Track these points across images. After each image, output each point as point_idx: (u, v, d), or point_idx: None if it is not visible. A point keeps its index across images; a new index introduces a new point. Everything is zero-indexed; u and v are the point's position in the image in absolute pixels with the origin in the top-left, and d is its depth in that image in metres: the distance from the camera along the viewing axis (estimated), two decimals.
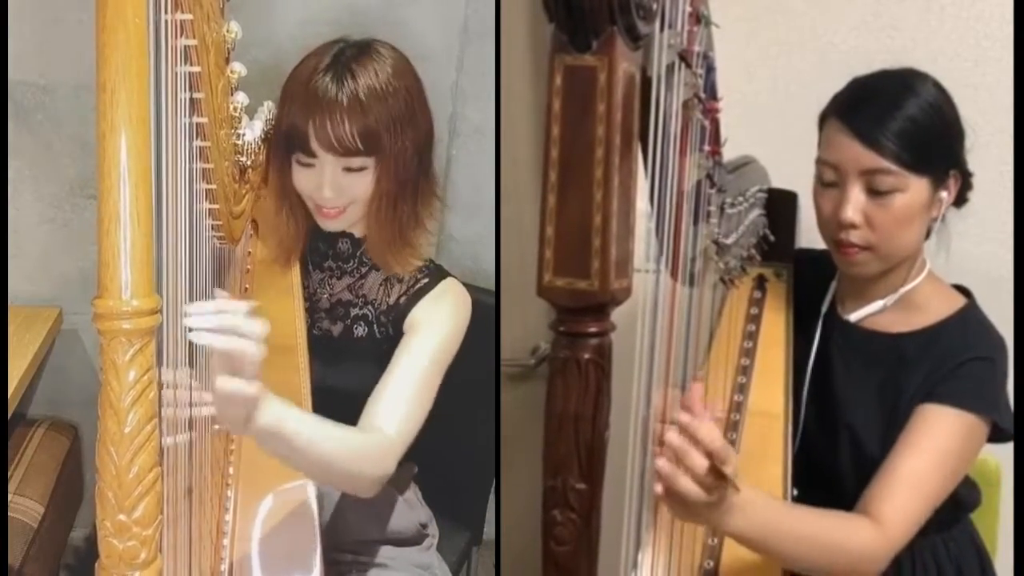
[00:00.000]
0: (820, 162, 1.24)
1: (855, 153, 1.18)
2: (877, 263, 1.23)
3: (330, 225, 1.33)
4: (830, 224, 1.24)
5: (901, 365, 1.26)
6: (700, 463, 0.90)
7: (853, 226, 1.19)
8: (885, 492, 1.14)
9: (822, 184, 1.24)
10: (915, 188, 1.18)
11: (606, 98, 0.70)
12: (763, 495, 1.05)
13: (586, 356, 0.75)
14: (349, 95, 1.22)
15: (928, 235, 1.26)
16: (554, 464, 0.78)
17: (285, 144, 1.28)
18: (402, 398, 1.24)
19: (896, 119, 1.16)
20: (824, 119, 1.25)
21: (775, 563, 1.14)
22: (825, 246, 1.29)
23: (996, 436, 1.22)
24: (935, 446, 1.17)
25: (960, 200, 1.28)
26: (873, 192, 1.18)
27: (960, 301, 1.29)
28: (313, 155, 1.25)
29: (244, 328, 0.96)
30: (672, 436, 0.91)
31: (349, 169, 1.26)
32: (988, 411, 1.19)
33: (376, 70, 1.25)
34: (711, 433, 0.91)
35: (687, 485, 0.91)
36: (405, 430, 1.23)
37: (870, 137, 1.17)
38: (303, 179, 1.29)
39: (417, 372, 1.27)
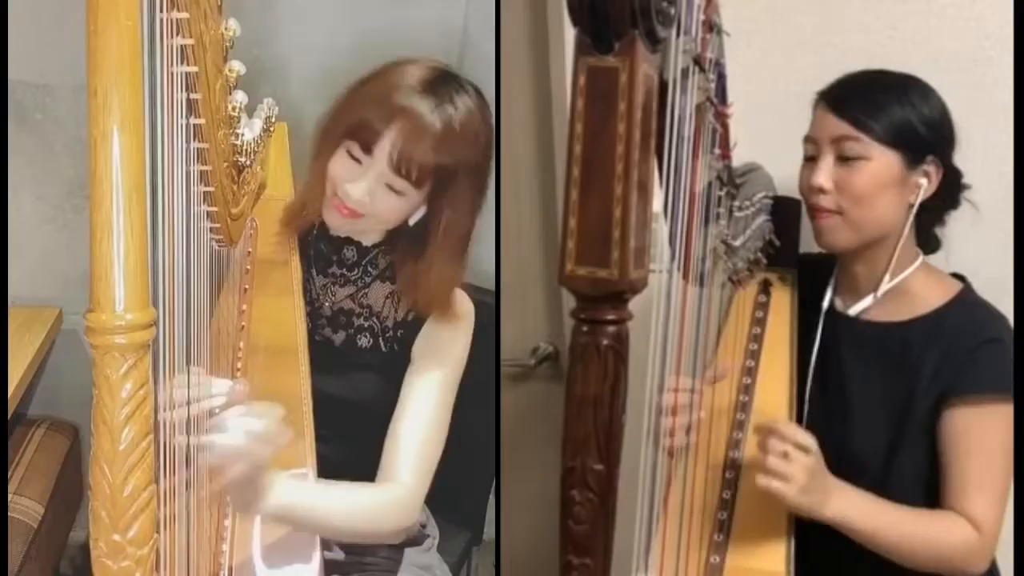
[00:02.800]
0: (804, 140, 1.32)
1: (828, 123, 1.27)
2: (847, 231, 1.28)
3: (336, 222, 1.31)
4: (806, 193, 1.31)
5: (906, 352, 1.28)
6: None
7: (822, 191, 1.27)
8: (964, 498, 1.20)
9: (805, 159, 1.32)
10: (882, 159, 1.24)
11: (627, 97, 0.73)
12: (854, 488, 1.16)
13: (605, 342, 0.77)
14: (444, 122, 1.21)
15: (937, 248, 1.33)
16: (573, 445, 0.80)
17: (343, 132, 1.25)
18: (418, 443, 1.28)
19: (872, 98, 1.26)
20: (815, 105, 1.32)
21: (779, 561, 1.15)
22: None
23: None
24: (989, 445, 1.22)
25: (952, 200, 1.32)
26: (842, 159, 1.26)
27: (956, 286, 1.32)
28: (369, 153, 1.23)
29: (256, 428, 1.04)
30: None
31: (390, 186, 1.24)
32: (1012, 392, 1.23)
33: (472, 108, 1.25)
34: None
35: (775, 463, 1.07)
36: (424, 475, 1.28)
37: (842, 108, 1.26)
38: (341, 167, 1.26)
39: (431, 409, 1.30)
